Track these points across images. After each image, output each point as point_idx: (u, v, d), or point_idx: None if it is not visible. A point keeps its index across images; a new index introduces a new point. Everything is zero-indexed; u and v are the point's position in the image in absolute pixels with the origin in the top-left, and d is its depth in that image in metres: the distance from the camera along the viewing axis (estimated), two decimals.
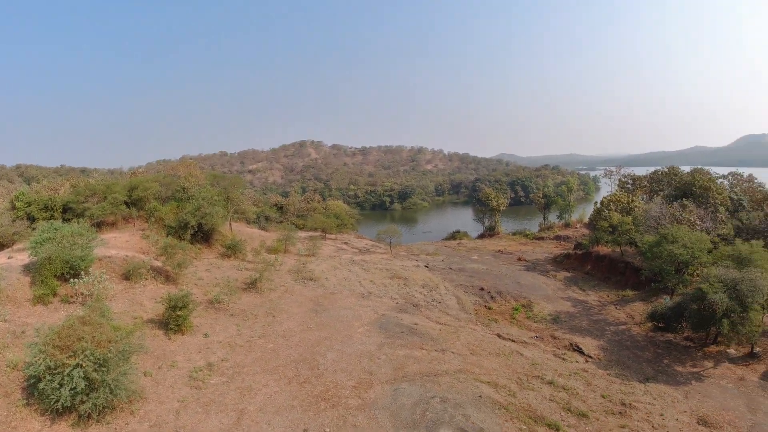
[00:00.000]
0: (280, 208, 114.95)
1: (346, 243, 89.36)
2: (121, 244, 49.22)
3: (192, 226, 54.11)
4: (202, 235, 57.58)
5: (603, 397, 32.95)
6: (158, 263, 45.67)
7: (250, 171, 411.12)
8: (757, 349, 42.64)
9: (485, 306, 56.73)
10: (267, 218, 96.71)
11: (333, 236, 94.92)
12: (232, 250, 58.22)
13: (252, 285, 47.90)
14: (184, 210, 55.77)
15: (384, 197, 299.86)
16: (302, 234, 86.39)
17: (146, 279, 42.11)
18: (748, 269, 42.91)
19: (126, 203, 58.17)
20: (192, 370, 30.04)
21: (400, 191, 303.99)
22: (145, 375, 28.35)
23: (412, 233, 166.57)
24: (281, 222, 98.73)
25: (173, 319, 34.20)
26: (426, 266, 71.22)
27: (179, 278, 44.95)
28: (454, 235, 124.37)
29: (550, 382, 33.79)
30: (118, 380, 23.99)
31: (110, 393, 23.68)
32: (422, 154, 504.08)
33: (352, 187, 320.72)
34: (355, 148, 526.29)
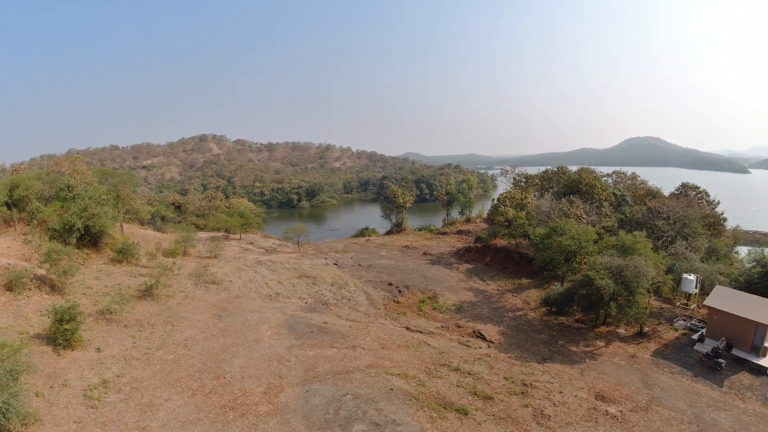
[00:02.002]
0: (178, 207, 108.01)
1: (251, 243, 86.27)
2: (2, 250, 43.15)
3: (78, 228, 48.99)
4: (90, 239, 52.31)
5: (506, 379, 35.01)
6: (42, 271, 40.67)
7: (144, 167, 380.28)
8: (646, 329, 47.79)
9: (394, 300, 57.86)
10: (163, 218, 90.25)
11: (237, 236, 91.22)
12: (123, 254, 53.36)
13: (147, 292, 44.30)
14: (68, 211, 50.23)
15: (292, 195, 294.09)
16: (203, 235, 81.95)
17: (30, 289, 37.43)
18: (632, 257, 48.17)
19: (6, 204, 51.32)
20: (86, 389, 27.41)
21: (308, 189, 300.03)
22: (37, 395, 25.45)
23: (320, 231, 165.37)
24: (179, 222, 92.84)
25: (61, 334, 30.89)
26: (335, 264, 71.01)
27: (66, 287, 40.38)
28: (363, 232, 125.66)
29: (457, 369, 35.33)
30: (9, 403, 21.66)
31: (2, 417, 21.44)
32: (330, 152, 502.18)
33: (257, 184, 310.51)
34: (261, 144, 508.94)
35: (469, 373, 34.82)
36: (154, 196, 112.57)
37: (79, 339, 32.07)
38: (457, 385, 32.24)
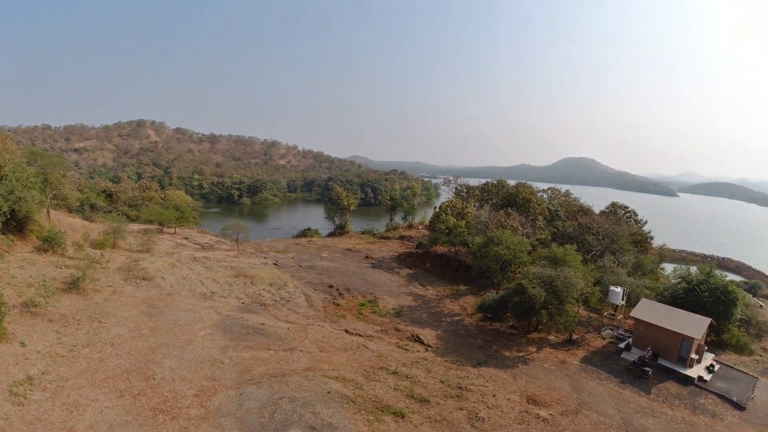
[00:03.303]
0: (109, 195, 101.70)
1: (186, 238, 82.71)
2: None
3: (4, 212, 45.01)
4: (15, 224, 48.21)
5: (442, 382, 35.60)
6: None
7: (76, 150, 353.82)
8: (575, 336, 50.39)
9: (334, 303, 57.40)
10: (93, 207, 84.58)
11: (172, 230, 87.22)
12: (49, 243, 49.56)
13: (74, 285, 41.24)
14: None
15: (232, 190, 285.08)
16: (135, 227, 77.68)
17: None
18: (563, 269, 50.69)
19: None
20: (11, 384, 25.32)
21: (250, 185, 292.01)
22: None
23: (261, 229, 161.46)
24: (110, 212, 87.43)
25: None
26: (275, 264, 69.44)
27: None
28: (305, 233, 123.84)
29: (395, 372, 35.54)
30: None
31: None
32: (276, 149, 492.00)
33: (196, 176, 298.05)
34: (203, 134, 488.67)
35: (407, 377, 35.13)
36: (84, 182, 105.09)
37: (3, 331, 29.66)
38: (395, 389, 32.42)
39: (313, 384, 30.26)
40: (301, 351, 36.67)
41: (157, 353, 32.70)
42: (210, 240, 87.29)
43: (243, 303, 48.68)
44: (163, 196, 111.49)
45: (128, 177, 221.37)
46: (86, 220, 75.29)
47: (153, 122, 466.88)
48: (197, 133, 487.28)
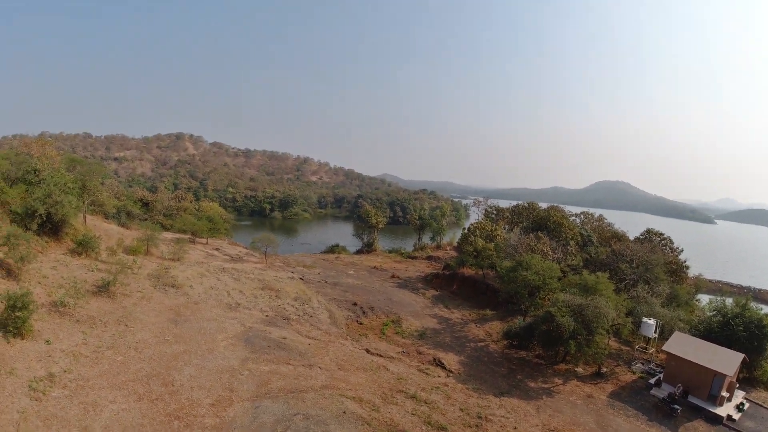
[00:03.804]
0: (145, 204, 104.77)
1: (217, 249, 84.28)
2: None
3: (40, 214, 47.01)
4: (51, 227, 50.17)
5: (461, 410, 34.64)
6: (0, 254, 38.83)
7: (116, 159, 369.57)
8: (603, 370, 48.37)
9: (357, 321, 57.08)
10: (129, 214, 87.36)
11: (204, 241, 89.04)
12: (83, 246, 51.30)
13: (104, 288, 42.50)
14: (32, 195, 48.23)
15: (264, 204, 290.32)
16: (168, 235, 79.67)
17: None
18: (594, 297, 48.97)
19: None
20: (32, 380, 26.13)
21: (281, 199, 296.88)
22: None
23: (290, 244, 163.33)
24: (145, 220, 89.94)
25: (12, 321, 29.58)
26: (301, 278, 69.87)
27: (21, 274, 38.61)
28: (333, 249, 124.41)
29: (413, 396, 34.81)
30: None
31: None
32: (308, 165, 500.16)
33: (230, 189, 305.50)
34: (238, 149, 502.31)
35: (425, 402, 34.36)
36: (122, 190, 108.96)
37: (29, 328, 30.69)
38: (412, 413, 31.71)
39: (329, 402, 29.91)
40: (320, 368, 36.44)
41: (179, 360, 33.10)
42: (240, 252, 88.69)
43: (267, 316, 48.96)
44: (197, 207, 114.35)
45: (165, 187, 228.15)
46: (121, 226, 77.77)
47: (191, 135, 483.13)
48: (233, 148, 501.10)
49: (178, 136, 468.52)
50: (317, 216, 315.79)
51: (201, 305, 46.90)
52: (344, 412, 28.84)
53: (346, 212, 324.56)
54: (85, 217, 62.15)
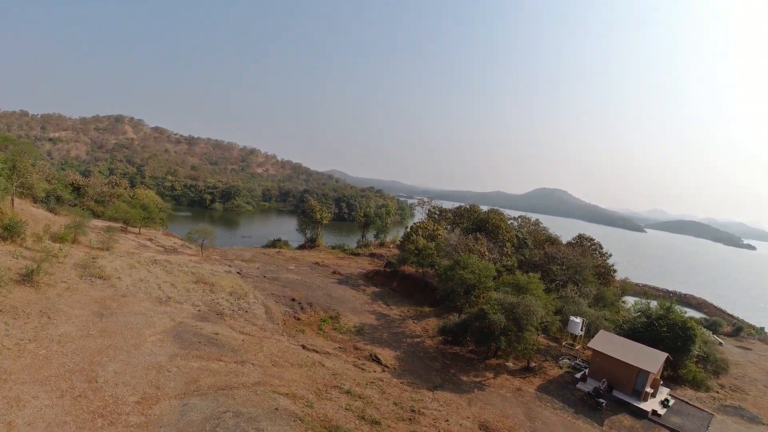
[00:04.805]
0: (77, 188, 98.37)
1: (150, 239, 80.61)
2: None
3: None
4: None
5: (395, 404, 35.13)
6: None
7: (50, 139, 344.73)
8: (532, 364, 50.72)
9: (294, 317, 56.34)
10: (59, 199, 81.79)
11: (136, 230, 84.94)
12: (9, 231, 48.41)
13: (27, 277, 39.91)
14: None
15: (205, 194, 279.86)
16: (98, 223, 75.50)
17: None
18: (525, 296, 51.18)
19: None
20: None
21: (224, 190, 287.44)
22: None
23: (230, 237, 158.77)
24: (75, 206, 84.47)
25: None
26: (238, 272, 68.09)
27: None
28: (275, 243, 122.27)
29: (348, 392, 34.93)
30: None
31: None
32: (254, 156, 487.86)
33: (170, 177, 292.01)
34: (181, 136, 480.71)
35: (360, 397, 34.56)
36: (53, 173, 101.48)
37: None
38: (346, 409, 31.82)
39: (261, 399, 29.43)
40: (253, 364, 35.73)
41: (103, 355, 31.45)
42: (175, 243, 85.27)
43: (199, 311, 47.36)
44: (132, 194, 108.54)
45: (99, 172, 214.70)
46: (50, 211, 72.98)
47: (132, 119, 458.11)
48: (175, 134, 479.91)
49: (118, 119, 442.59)
50: (261, 209, 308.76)
51: (129, 298, 44.72)
52: (276, 409, 28.48)
53: (291, 206, 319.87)
54: (12, 200, 58.03)
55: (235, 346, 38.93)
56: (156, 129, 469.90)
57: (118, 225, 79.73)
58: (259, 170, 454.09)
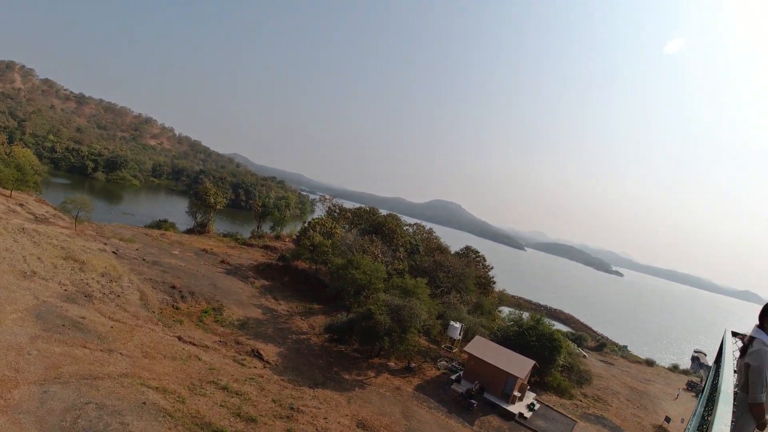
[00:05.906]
0: None
1: (21, 205, 71.75)
2: None
3: None
4: None
5: (274, 401, 35.08)
6: None
7: None
8: (413, 365, 53.39)
9: (173, 306, 53.29)
10: None
11: (7, 193, 74.98)
12: None
13: None
14: None
15: (88, 161, 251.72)
16: None
17: None
18: (411, 299, 53.88)
19: None
20: None
21: (109, 159, 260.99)
22: None
23: (110, 212, 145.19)
24: None
25: None
26: (114, 252, 63.02)
27: None
28: (160, 225, 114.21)
29: (224, 388, 34.29)
30: None
31: None
32: (149, 126, 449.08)
33: (51, 137, 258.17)
34: (71, 92, 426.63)
35: (237, 393, 34.13)
36: None
37: None
38: (221, 405, 31.28)
39: (127, 392, 28.03)
40: (121, 354, 33.73)
41: None
42: (47, 212, 76.63)
43: (66, 290, 43.39)
44: (8, 151, 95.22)
45: None
46: None
47: (23, 67, 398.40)
48: (65, 89, 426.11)
49: (9, 65, 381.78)
50: (149, 185, 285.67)
51: None
52: (144, 403, 27.32)
53: (184, 186, 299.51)
54: None
55: (103, 332, 36.39)
56: (46, 81, 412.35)
57: None
58: (153, 142, 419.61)
